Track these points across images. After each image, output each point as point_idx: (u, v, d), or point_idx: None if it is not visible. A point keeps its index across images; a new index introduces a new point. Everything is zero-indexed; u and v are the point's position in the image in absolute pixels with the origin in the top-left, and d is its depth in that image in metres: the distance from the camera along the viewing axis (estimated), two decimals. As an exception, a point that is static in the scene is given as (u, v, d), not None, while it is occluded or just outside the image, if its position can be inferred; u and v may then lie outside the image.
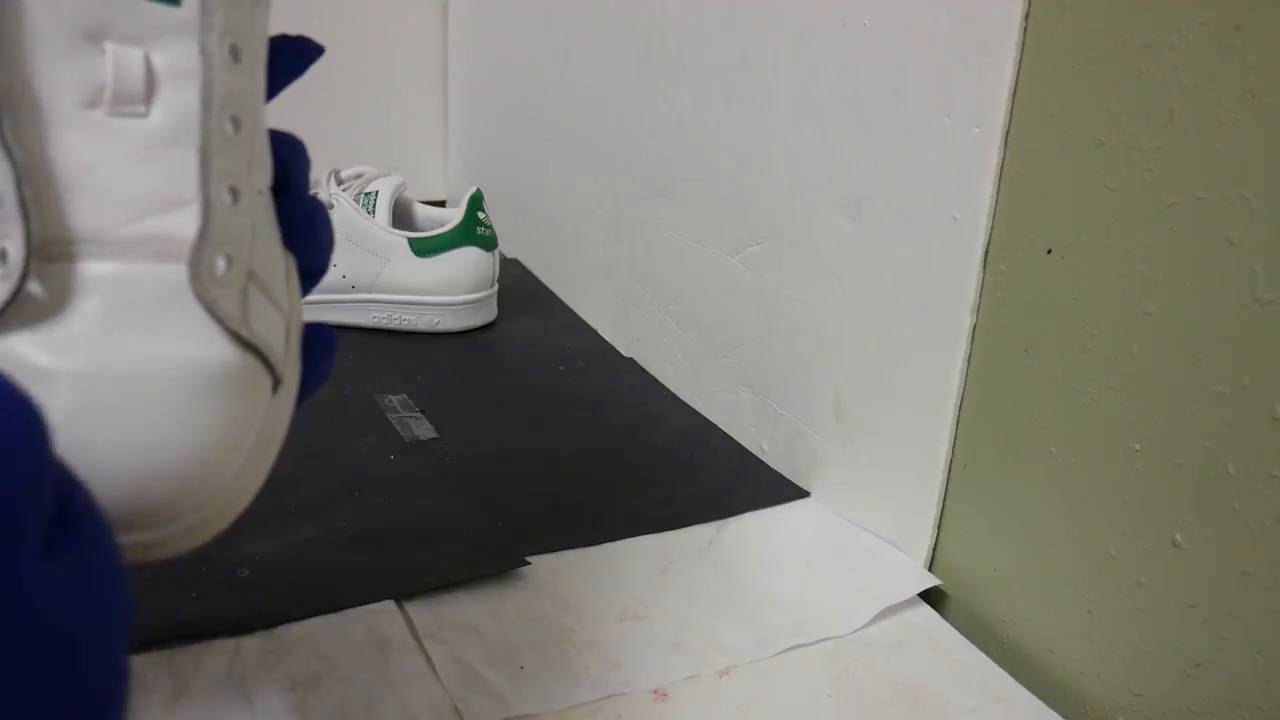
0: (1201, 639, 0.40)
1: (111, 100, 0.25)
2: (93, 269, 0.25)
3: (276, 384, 0.28)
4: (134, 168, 0.25)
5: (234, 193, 0.27)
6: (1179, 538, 0.40)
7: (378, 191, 0.79)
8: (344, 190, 0.78)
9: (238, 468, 0.26)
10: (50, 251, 0.24)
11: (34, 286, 0.24)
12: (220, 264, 0.26)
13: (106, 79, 0.25)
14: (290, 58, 0.32)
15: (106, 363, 0.24)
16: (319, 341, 0.32)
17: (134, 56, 0.25)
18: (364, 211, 0.77)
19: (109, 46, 0.25)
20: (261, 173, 0.28)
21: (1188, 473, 0.40)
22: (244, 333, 0.26)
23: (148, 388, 0.25)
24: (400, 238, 0.78)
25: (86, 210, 0.25)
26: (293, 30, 0.32)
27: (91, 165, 0.25)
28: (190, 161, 0.26)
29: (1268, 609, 0.37)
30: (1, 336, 0.24)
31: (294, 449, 0.59)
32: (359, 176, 0.80)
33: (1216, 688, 0.39)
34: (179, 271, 0.25)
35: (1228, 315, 0.38)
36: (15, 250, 0.24)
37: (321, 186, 0.78)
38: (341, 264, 0.77)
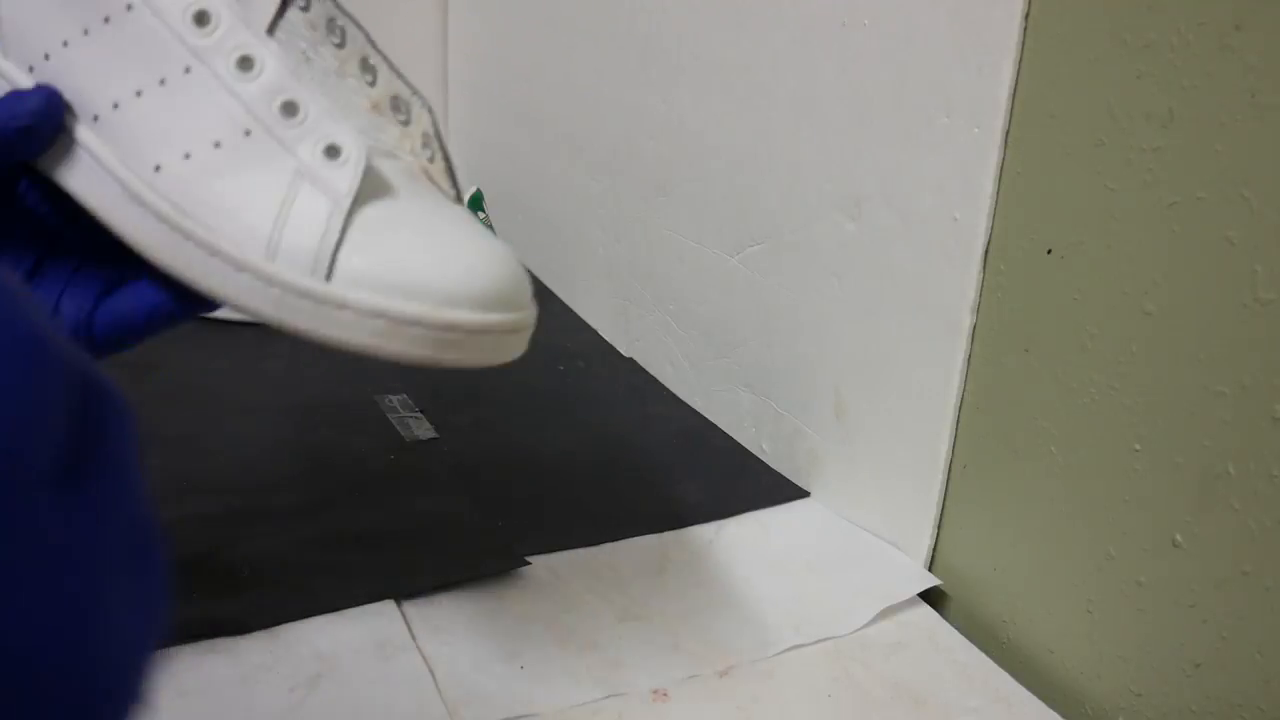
0: (1201, 639, 0.40)
1: None
2: None
3: None
4: None
5: None
6: (1179, 538, 0.40)
7: (378, 191, 0.78)
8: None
9: None
10: None
11: None
12: None
13: None
14: None
15: None
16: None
17: None
18: (364, 211, 0.77)
19: None
20: None
21: (1188, 473, 0.40)
22: None
23: None
24: (400, 238, 0.77)
25: None
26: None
27: None
28: None
29: (1268, 609, 0.37)
30: None
31: (293, 449, 0.60)
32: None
33: (1216, 688, 0.39)
34: None
35: (1228, 315, 0.38)
36: None
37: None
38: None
